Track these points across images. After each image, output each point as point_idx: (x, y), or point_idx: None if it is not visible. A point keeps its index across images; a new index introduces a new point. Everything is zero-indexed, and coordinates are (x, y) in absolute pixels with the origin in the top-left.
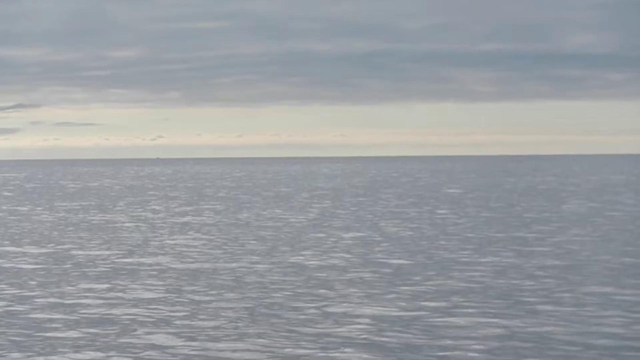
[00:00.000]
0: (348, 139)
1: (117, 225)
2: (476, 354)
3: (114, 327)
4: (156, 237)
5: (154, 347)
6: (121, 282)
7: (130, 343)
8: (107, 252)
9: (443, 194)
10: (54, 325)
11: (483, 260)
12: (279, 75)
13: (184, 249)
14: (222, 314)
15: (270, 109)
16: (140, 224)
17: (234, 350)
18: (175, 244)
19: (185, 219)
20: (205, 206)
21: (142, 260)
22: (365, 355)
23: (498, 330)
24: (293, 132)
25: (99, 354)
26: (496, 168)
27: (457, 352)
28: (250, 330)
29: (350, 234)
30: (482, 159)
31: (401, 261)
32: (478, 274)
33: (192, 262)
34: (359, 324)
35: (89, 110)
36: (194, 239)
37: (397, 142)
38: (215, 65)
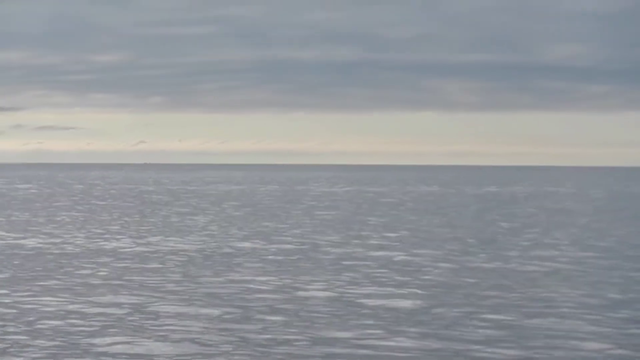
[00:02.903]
0: (330, 147)
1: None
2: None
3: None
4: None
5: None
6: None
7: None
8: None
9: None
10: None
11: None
12: (262, 82)
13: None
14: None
15: (253, 115)
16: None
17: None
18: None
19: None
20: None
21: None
22: None
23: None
24: (276, 139)
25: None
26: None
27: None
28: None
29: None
30: (463, 168)
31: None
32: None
33: None
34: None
35: (71, 115)
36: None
37: (380, 151)
38: (198, 71)
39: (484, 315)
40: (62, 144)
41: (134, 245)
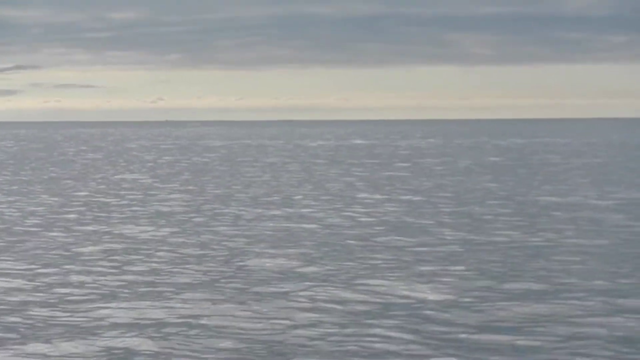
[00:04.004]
0: (349, 103)
1: None
2: None
3: None
4: None
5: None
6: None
7: None
8: None
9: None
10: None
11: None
12: (280, 38)
13: None
14: None
15: (271, 72)
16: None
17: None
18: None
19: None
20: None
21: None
22: None
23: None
24: (294, 95)
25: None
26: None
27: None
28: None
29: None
30: (482, 122)
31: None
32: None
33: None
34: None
35: (89, 72)
36: None
37: (400, 106)
38: (216, 28)
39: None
40: (81, 102)
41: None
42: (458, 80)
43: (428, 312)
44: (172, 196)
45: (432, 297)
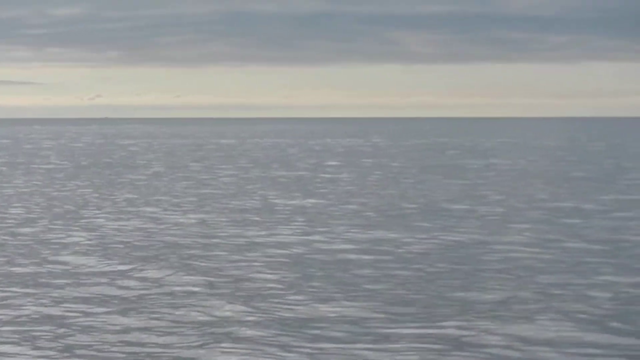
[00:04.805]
0: (291, 101)
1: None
2: None
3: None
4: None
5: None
6: None
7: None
8: None
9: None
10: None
11: None
12: (222, 35)
13: None
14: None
15: (212, 69)
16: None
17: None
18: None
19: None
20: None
21: None
22: None
23: None
24: (234, 93)
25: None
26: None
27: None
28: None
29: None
30: (425, 120)
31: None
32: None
33: None
34: None
35: (28, 70)
36: None
37: (342, 104)
38: (157, 25)
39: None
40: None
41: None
42: (401, 78)
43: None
44: None
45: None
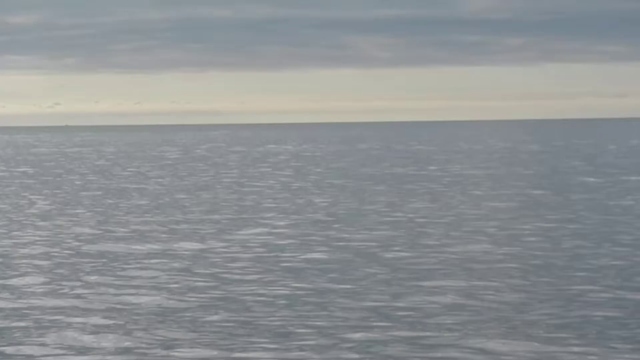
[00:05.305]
0: (246, 106)
1: None
2: None
3: None
4: None
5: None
6: None
7: None
8: None
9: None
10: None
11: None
12: (176, 41)
13: None
14: None
15: (168, 75)
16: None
17: None
18: None
19: None
20: None
21: None
22: None
23: None
24: (191, 99)
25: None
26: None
27: None
28: None
29: None
30: (381, 125)
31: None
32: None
33: None
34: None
35: None
36: None
37: (297, 109)
38: (113, 31)
39: None
40: None
41: None
42: (356, 83)
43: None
44: None
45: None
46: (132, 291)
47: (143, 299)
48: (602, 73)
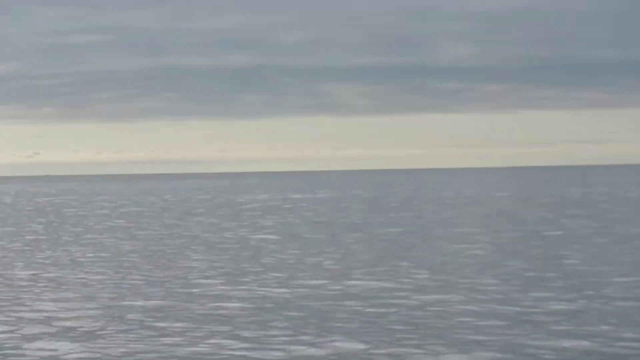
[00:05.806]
0: (225, 155)
1: None
2: None
3: None
4: None
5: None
6: None
7: None
8: None
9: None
10: None
11: None
12: (155, 90)
13: None
14: None
15: (148, 124)
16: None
17: None
18: None
19: None
20: None
21: None
22: None
23: None
24: (171, 147)
25: None
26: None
27: None
28: None
29: None
30: (360, 173)
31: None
32: None
33: None
34: None
35: None
36: None
37: (275, 157)
38: (91, 80)
39: None
40: None
41: None
42: (334, 130)
43: None
44: None
45: None
46: None
47: None
48: (580, 120)
